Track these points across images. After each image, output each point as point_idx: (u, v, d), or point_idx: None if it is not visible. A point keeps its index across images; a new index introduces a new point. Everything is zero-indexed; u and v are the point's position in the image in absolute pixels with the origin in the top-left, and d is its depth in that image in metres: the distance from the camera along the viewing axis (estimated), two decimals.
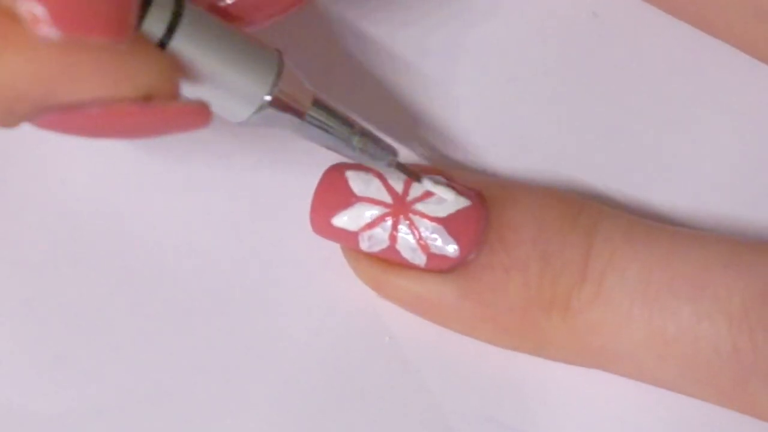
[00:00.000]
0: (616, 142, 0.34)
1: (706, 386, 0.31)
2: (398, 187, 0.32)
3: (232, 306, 0.34)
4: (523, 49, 0.35)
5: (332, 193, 0.32)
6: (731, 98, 0.34)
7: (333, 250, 0.34)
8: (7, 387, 0.33)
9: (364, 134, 0.30)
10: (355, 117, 0.30)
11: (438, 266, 0.31)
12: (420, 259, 0.31)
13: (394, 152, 0.31)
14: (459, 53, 0.35)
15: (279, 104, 0.28)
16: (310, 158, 0.33)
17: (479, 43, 0.35)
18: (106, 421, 0.33)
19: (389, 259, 0.32)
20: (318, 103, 0.29)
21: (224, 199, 0.34)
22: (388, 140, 0.31)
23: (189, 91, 0.27)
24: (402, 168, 0.31)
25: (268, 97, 0.28)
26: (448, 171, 0.32)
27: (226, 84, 0.28)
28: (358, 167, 0.32)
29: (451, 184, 0.32)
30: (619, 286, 0.31)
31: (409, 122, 0.35)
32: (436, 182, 0.31)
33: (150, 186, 0.34)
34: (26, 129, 0.33)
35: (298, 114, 0.29)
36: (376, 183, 0.31)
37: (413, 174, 0.31)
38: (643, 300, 0.30)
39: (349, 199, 0.31)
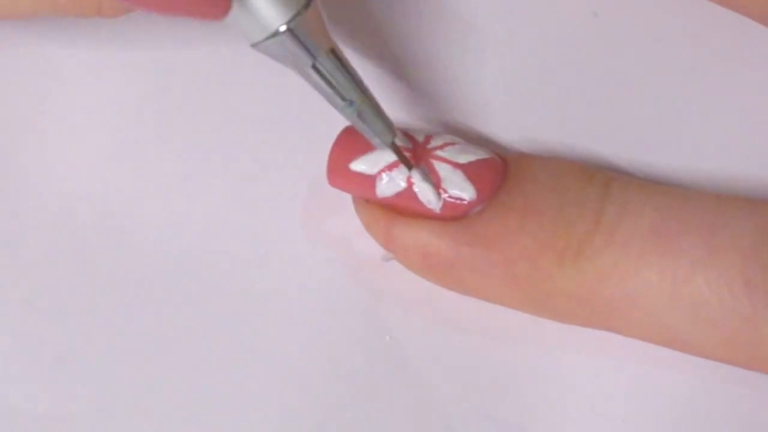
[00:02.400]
0: (620, 135, 0.35)
1: (716, 328, 0.30)
2: (419, 137, 0.32)
3: (231, 306, 0.33)
4: (522, 47, 0.35)
5: (353, 141, 0.32)
6: (736, 89, 0.35)
7: (334, 249, 0.34)
8: (8, 388, 0.33)
9: (368, 101, 0.30)
10: (366, 84, 0.31)
11: (453, 212, 0.31)
12: (435, 203, 0.31)
13: (393, 131, 0.31)
14: (458, 49, 0.36)
15: (295, 37, 0.29)
16: (310, 157, 0.34)
17: (479, 40, 0.36)
18: (106, 422, 0.32)
19: (403, 206, 0.32)
20: (333, 54, 0.30)
21: (224, 199, 0.34)
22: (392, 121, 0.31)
23: None
24: (397, 151, 0.31)
25: (283, 27, 0.29)
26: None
27: (251, 2, 0.28)
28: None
29: (468, 145, 0.32)
30: (632, 230, 0.31)
31: (420, 110, 0.35)
32: (450, 142, 0.32)
33: (149, 186, 0.35)
34: (26, 128, 0.34)
35: (311, 55, 0.29)
36: (398, 133, 0.32)
37: (406, 161, 0.31)
38: (656, 242, 0.30)
39: (369, 145, 0.32)
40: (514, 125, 0.35)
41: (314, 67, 0.30)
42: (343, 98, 0.30)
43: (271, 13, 0.29)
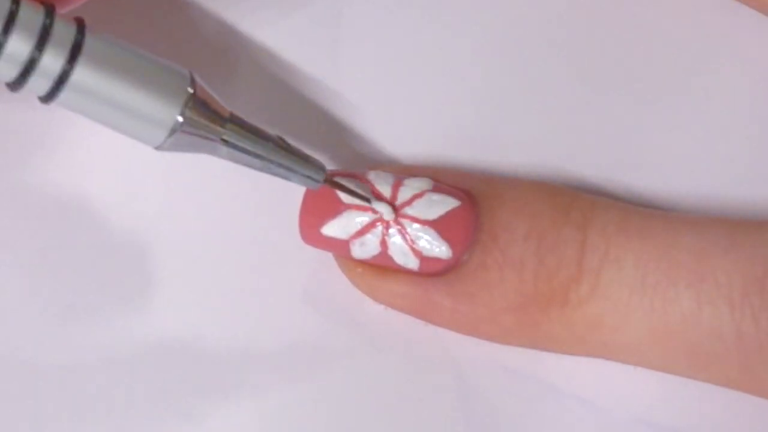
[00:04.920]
0: (605, 133, 0.34)
1: (713, 372, 0.30)
2: (386, 192, 0.31)
3: (230, 305, 0.33)
4: (508, 45, 0.35)
5: (320, 202, 0.31)
6: (722, 86, 0.34)
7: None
8: (9, 389, 0.33)
9: (288, 151, 0.30)
10: (277, 133, 0.30)
11: (432, 269, 0.31)
12: (413, 264, 0.31)
13: (322, 167, 0.30)
14: (440, 48, 0.35)
15: (192, 127, 0.28)
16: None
17: (462, 38, 0.35)
18: (104, 424, 0.33)
19: (383, 265, 0.31)
20: (235, 123, 0.29)
21: (223, 198, 0.34)
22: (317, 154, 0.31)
23: (102, 114, 0.28)
24: (336, 185, 0.31)
25: (179, 118, 0.28)
26: (434, 172, 0.32)
27: (135, 109, 0.28)
28: (344, 174, 0.31)
29: (438, 185, 0.31)
30: (617, 278, 0.30)
31: (394, 119, 0.34)
32: (417, 188, 0.31)
33: (148, 187, 0.34)
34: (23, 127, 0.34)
35: (215, 135, 0.29)
36: (365, 188, 0.31)
37: (348, 190, 0.31)
38: (642, 291, 0.30)
39: (337, 207, 0.31)
40: (486, 144, 0.34)
41: (225, 143, 0.29)
42: (264, 158, 0.29)
43: (159, 112, 0.28)
